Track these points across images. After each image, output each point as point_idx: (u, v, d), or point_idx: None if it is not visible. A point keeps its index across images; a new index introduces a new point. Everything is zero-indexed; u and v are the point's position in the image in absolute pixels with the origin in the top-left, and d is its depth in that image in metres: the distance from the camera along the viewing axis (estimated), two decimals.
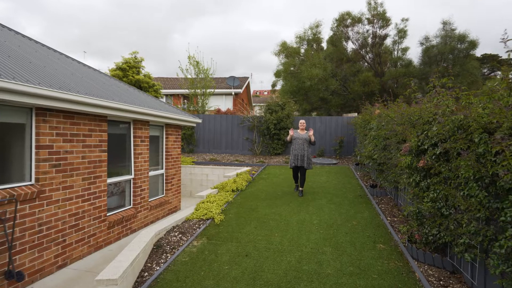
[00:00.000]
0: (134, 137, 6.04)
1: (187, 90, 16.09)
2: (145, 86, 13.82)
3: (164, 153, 7.35)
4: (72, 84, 4.50)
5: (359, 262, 3.64)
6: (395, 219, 5.18)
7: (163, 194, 7.34)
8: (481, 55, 24.36)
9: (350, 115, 16.08)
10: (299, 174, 6.85)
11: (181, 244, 4.18)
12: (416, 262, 3.57)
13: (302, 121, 6.91)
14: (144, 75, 14.56)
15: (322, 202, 6.22)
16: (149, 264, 3.68)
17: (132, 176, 6.02)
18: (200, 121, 8.51)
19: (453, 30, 16.42)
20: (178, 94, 21.23)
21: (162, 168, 7.32)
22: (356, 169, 9.65)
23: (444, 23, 16.60)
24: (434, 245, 3.49)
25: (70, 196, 4.36)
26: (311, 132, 6.71)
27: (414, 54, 41.94)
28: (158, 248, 4.03)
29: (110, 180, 5.37)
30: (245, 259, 3.75)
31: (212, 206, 5.68)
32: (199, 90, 15.54)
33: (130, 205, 6.05)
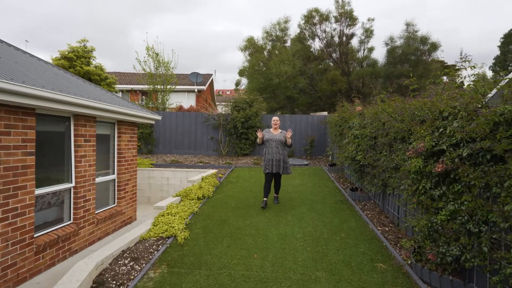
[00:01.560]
0: (76, 135, 4.88)
1: (146, 86, 14.60)
2: (96, 78, 12.23)
3: (116, 155, 6.19)
4: None
5: None
6: (386, 228, 4.59)
7: (114, 203, 6.17)
8: (429, 60, 25.49)
9: (318, 113, 15.73)
10: (273, 180, 5.96)
11: (132, 277, 3.15)
12: None
13: (275, 118, 6.01)
14: (96, 67, 12.91)
15: (302, 210, 5.49)
16: None
17: (73, 184, 4.85)
18: (159, 118, 7.40)
19: (416, 31, 16.74)
20: (135, 90, 19.48)
21: (114, 173, 6.16)
22: (330, 170, 9.11)
23: (408, 25, 16.87)
24: (451, 266, 2.87)
25: None
26: (289, 134, 5.76)
27: (380, 54, 43.68)
28: (99, 286, 2.97)
29: (39, 191, 4.18)
30: None
31: (174, 220, 4.69)
32: (159, 86, 14.15)
33: (70, 220, 4.87)
